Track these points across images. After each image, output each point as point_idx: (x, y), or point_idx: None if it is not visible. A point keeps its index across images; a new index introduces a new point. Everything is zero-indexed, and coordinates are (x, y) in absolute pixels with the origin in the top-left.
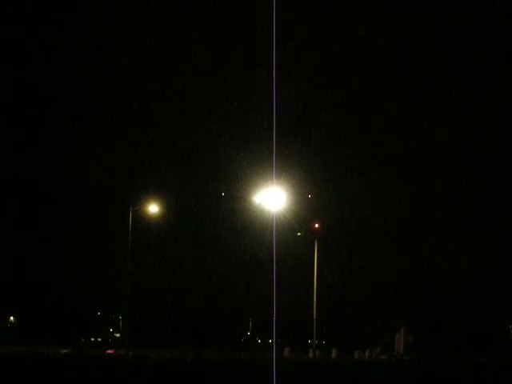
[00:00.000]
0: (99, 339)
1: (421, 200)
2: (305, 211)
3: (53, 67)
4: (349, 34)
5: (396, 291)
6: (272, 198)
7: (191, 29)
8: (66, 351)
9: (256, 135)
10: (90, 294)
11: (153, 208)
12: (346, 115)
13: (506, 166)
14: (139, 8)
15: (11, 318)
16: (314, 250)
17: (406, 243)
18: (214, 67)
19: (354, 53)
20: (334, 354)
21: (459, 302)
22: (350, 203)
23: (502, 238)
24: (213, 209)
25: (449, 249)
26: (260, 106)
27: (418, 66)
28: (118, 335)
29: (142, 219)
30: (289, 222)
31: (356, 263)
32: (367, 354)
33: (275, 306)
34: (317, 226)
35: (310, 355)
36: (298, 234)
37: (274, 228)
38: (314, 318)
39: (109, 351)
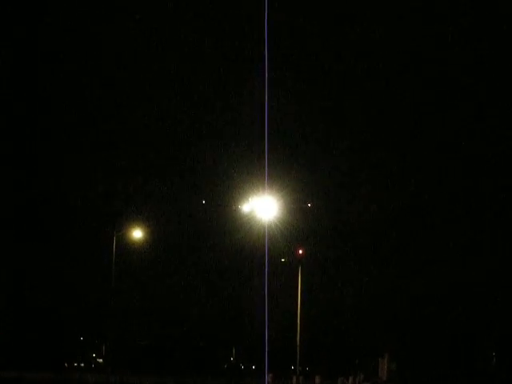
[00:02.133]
0: (82, 364)
1: (411, 219)
2: (298, 223)
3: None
4: (343, 38)
5: (379, 317)
6: (263, 208)
7: (177, 32)
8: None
9: (246, 144)
10: (73, 319)
11: (137, 233)
12: (341, 122)
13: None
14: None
15: None
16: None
17: (391, 267)
18: (202, 72)
19: (348, 59)
20: (317, 380)
21: (443, 328)
22: (338, 219)
23: (485, 260)
24: (199, 224)
25: (432, 274)
26: (251, 112)
27: (413, 71)
28: (101, 360)
29: (126, 244)
30: (281, 232)
31: (340, 287)
32: (351, 380)
33: (262, 329)
34: (300, 252)
35: (294, 381)
36: (283, 260)
37: (266, 242)
38: (298, 343)
39: None
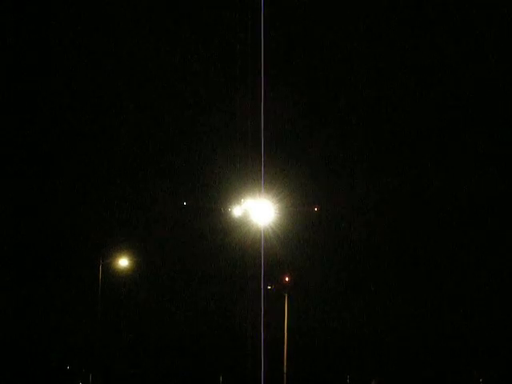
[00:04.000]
0: None
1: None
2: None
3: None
4: (345, 39)
5: (367, 342)
6: (258, 211)
7: (169, 32)
8: None
9: (240, 143)
10: (59, 348)
11: (123, 261)
12: (341, 126)
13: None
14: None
15: None
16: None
17: (380, 292)
18: (197, 71)
19: (349, 61)
20: None
21: (430, 352)
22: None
23: (472, 284)
24: (185, 231)
25: (420, 298)
26: (246, 112)
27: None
28: None
29: (113, 271)
30: (278, 240)
31: (326, 310)
32: None
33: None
34: (287, 279)
35: None
36: (269, 287)
37: (263, 258)
38: (285, 371)
39: None
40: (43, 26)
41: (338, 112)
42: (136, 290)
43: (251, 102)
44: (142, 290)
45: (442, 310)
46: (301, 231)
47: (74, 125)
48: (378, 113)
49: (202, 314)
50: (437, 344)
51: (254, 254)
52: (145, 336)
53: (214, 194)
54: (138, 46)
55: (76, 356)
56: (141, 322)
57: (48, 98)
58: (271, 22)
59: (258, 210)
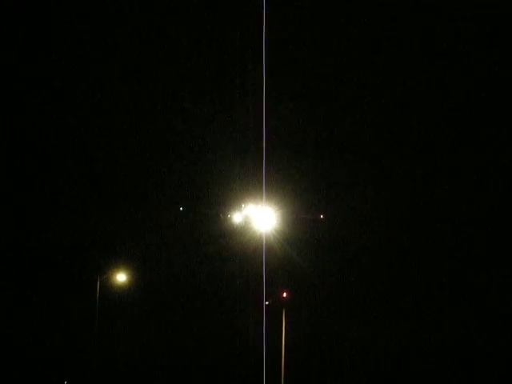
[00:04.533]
0: None
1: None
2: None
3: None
4: (345, 43)
5: (362, 359)
6: (260, 218)
7: (168, 34)
8: None
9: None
10: (56, 364)
11: (121, 277)
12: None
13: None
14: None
15: None
16: None
17: (376, 305)
18: (199, 73)
19: (352, 65)
20: None
21: (423, 368)
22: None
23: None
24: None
25: (426, 312)
26: (247, 116)
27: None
28: None
29: (110, 287)
30: (281, 246)
31: (324, 324)
32: None
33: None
34: (285, 294)
35: None
36: (266, 302)
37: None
38: None
39: None
40: (42, 24)
41: (342, 117)
42: (134, 303)
43: (253, 106)
44: (140, 303)
45: (445, 323)
46: (304, 240)
47: (70, 134)
48: (381, 118)
49: (202, 327)
50: (440, 359)
51: (255, 262)
52: (143, 350)
53: (213, 198)
54: (136, 49)
55: (73, 371)
56: (139, 335)
57: (45, 106)
58: (273, 25)
59: (259, 217)
